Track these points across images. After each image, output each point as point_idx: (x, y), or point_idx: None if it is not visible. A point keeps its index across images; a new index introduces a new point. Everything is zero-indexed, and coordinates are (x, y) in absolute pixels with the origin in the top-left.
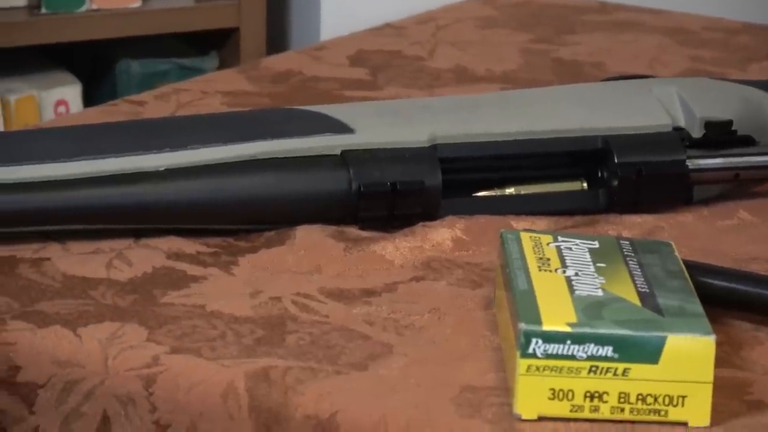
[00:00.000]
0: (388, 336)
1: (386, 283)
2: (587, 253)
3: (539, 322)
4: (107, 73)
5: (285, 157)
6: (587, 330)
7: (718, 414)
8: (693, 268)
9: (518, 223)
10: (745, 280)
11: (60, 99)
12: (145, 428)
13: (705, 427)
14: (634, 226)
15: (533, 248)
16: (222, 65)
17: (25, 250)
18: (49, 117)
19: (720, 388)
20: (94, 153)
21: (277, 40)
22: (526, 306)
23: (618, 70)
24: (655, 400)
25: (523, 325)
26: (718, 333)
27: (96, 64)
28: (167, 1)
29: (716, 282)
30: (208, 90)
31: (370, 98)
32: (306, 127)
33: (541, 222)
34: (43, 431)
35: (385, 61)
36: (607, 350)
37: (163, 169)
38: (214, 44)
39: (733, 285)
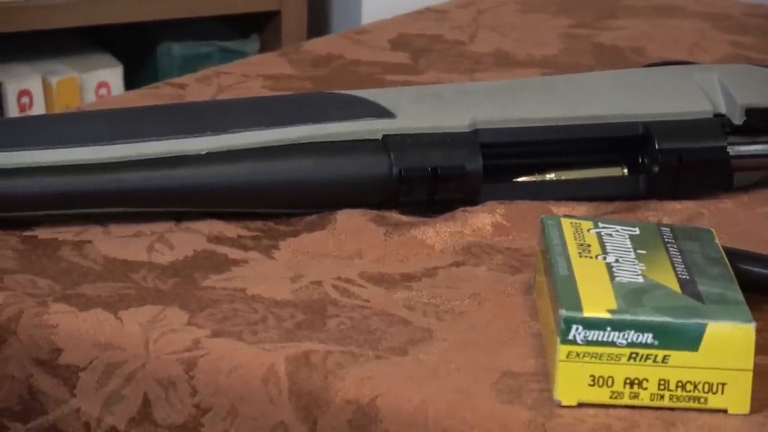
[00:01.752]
0: (428, 321)
1: (426, 268)
2: (628, 240)
3: (580, 309)
4: (149, 56)
5: (326, 142)
6: (627, 317)
7: (758, 401)
8: (733, 254)
9: (558, 208)
10: None
11: (101, 81)
12: (185, 411)
13: (744, 415)
14: (674, 212)
15: (574, 234)
16: (263, 48)
17: (67, 233)
18: (90, 99)
19: (760, 375)
20: (136, 136)
21: (318, 23)
22: (566, 292)
23: (658, 56)
24: (695, 387)
25: (563, 312)
26: (758, 320)
27: (138, 47)
28: None
29: (757, 269)
30: (250, 73)
31: (410, 82)
32: (347, 112)
33: (581, 208)
34: (85, 414)
35: (426, 45)
36: (647, 337)
37: (204, 152)
38: (256, 27)
39: None
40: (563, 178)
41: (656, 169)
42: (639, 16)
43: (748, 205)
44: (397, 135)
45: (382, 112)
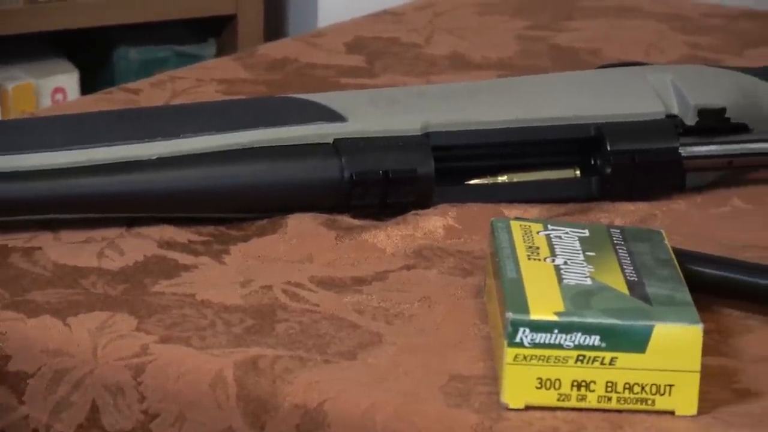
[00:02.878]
0: (378, 325)
1: (377, 272)
2: (577, 242)
3: (527, 311)
4: (105, 61)
5: (277, 146)
6: (574, 319)
7: (706, 402)
8: (684, 256)
9: (511, 211)
10: (735, 268)
11: (57, 86)
12: (133, 417)
13: (692, 416)
14: (627, 213)
15: (523, 237)
16: (220, 52)
17: (17, 240)
18: (46, 104)
19: (708, 376)
20: (87, 142)
21: (275, 26)
22: (514, 295)
23: (615, 57)
24: (642, 389)
25: (510, 314)
26: (707, 321)
27: (94, 52)
28: None
29: (707, 270)
30: (204, 78)
31: (366, 86)
32: (298, 116)
33: (534, 210)
34: (33, 420)
35: (382, 48)
36: (595, 339)
37: (155, 157)
38: (212, 31)
39: (723, 273)
40: (515, 180)
41: (609, 170)
42: (596, 18)
43: (701, 206)
44: (348, 139)
45: (334, 116)
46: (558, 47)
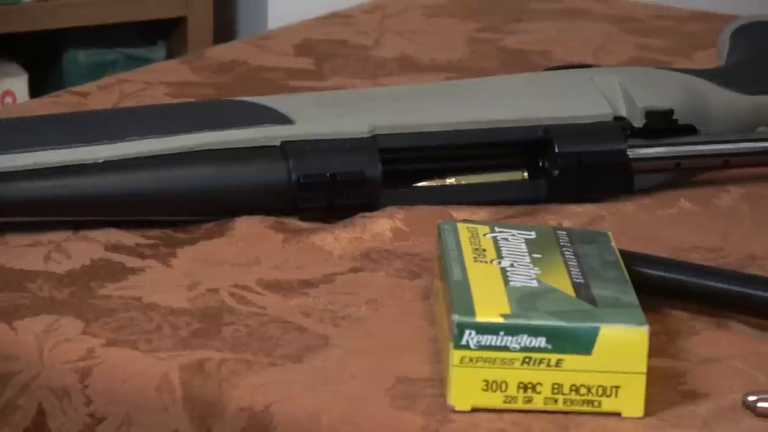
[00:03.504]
0: (325, 327)
1: (324, 274)
2: (523, 244)
3: (473, 314)
4: (55, 64)
5: (224, 149)
6: (520, 321)
7: (652, 404)
8: (631, 257)
9: (459, 213)
10: (682, 270)
11: (6, 90)
12: (80, 421)
13: (638, 418)
14: (574, 215)
15: (470, 239)
16: (170, 55)
17: None
18: None
19: (654, 377)
20: (32, 145)
21: (224, 29)
22: (460, 297)
23: (564, 59)
24: (589, 390)
25: (456, 317)
26: (653, 323)
27: (44, 55)
28: None
29: (654, 272)
30: (152, 81)
31: (314, 88)
32: (246, 119)
33: (482, 212)
34: None
35: (330, 51)
36: (540, 341)
37: (101, 160)
38: (162, 34)
39: (670, 274)
40: (464, 182)
41: (556, 172)
42: (545, 20)
43: (649, 208)
44: (296, 141)
45: (281, 119)
46: (507, 50)
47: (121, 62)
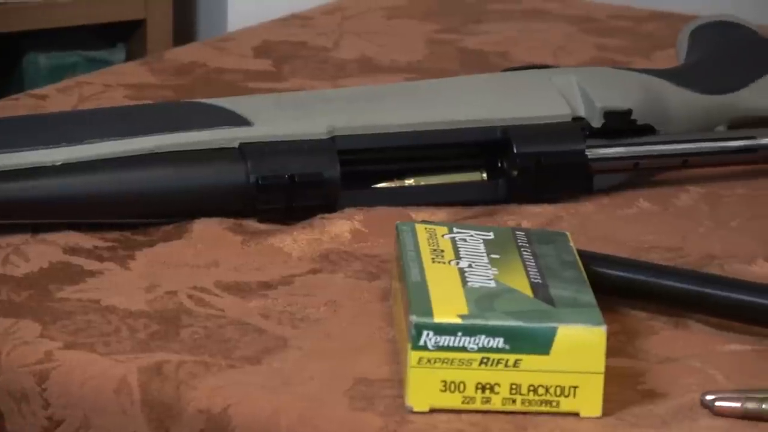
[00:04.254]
0: (283, 329)
1: (283, 276)
2: (482, 245)
3: (430, 315)
4: (15, 67)
5: (183, 151)
6: (478, 322)
7: (610, 404)
8: (589, 257)
9: (418, 214)
10: (640, 270)
11: None
12: (38, 424)
13: (596, 417)
14: (533, 216)
15: (428, 240)
16: (130, 57)
17: None
18: None
19: (613, 377)
20: None
21: (184, 31)
22: (418, 298)
23: (523, 60)
24: (547, 390)
25: (414, 318)
26: (612, 323)
27: (3, 58)
28: None
29: (612, 271)
30: (111, 83)
31: (274, 90)
32: (204, 120)
33: (441, 213)
34: None
35: (290, 52)
36: (498, 342)
37: (60, 163)
38: (122, 36)
39: (628, 274)
40: (422, 183)
41: (515, 173)
42: (505, 21)
43: (608, 208)
44: (254, 143)
45: (240, 120)
46: (466, 50)
47: (81, 65)
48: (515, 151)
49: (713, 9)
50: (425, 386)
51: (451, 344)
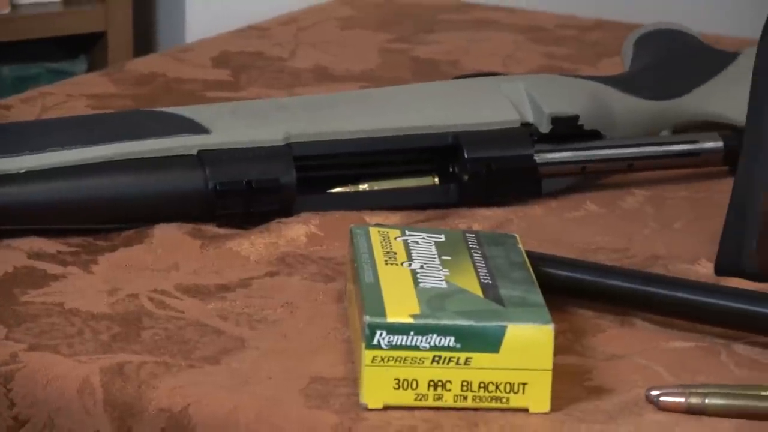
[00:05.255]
0: (241, 330)
1: (241, 279)
2: (433, 247)
3: (383, 315)
4: None
5: (142, 158)
6: (430, 321)
7: (559, 400)
8: (538, 258)
9: (372, 218)
10: (587, 270)
11: None
12: (4, 424)
13: (545, 413)
14: (484, 219)
15: (381, 243)
16: (91, 68)
17: None
18: None
19: (561, 374)
20: None
21: (144, 42)
22: (371, 299)
23: (473, 68)
24: (497, 387)
25: (367, 318)
26: (560, 322)
27: None
28: (36, 6)
29: (560, 272)
30: (73, 93)
31: (231, 99)
32: (163, 129)
33: (395, 216)
34: None
35: (247, 62)
36: (449, 340)
37: (23, 171)
38: (83, 48)
39: (576, 275)
40: (376, 188)
41: (466, 177)
42: (455, 30)
43: (556, 211)
44: (212, 150)
45: (198, 128)
46: (418, 59)
47: (45, 76)
48: (466, 156)
49: (657, 17)
50: (379, 384)
51: (403, 343)
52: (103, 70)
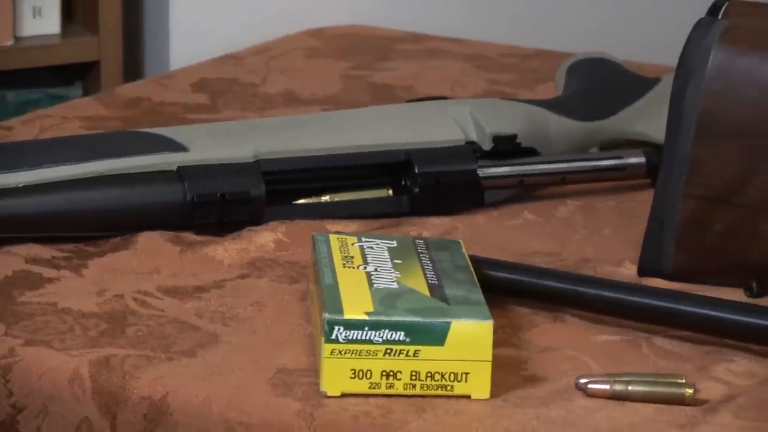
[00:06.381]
0: (215, 326)
1: (215, 281)
2: (386, 252)
3: (341, 312)
4: None
5: (128, 173)
6: (382, 318)
7: (498, 387)
8: (480, 262)
9: (333, 226)
10: (524, 272)
11: None
12: (3, 411)
13: (485, 399)
14: (433, 227)
15: (340, 248)
16: (86, 93)
17: None
18: None
19: (500, 365)
20: None
21: (133, 70)
22: (330, 298)
23: (424, 92)
24: (442, 377)
25: (326, 315)
26: (499, 318)
27: None
28: (37, 38)
29: (500, 274)
30: (68, 115)
31: (209, 120)
32: (147, 147)
33: (353, 225)
34: None
35: (223, 88)
36: (400, 335)
37: (21, 185)
38: (79, 75)
39: (514, 276)
40: (337, 199)
41: (417, 190)
42: (409, 59)
43: (498, 219)
44: (190, 166)
45: (178, 147)
46: (376, 85)
47: (44, 100)
48: (417, 170)
49: (588, 46)
50: (337, 374)
51: (359, 338)
52: (95, 95)
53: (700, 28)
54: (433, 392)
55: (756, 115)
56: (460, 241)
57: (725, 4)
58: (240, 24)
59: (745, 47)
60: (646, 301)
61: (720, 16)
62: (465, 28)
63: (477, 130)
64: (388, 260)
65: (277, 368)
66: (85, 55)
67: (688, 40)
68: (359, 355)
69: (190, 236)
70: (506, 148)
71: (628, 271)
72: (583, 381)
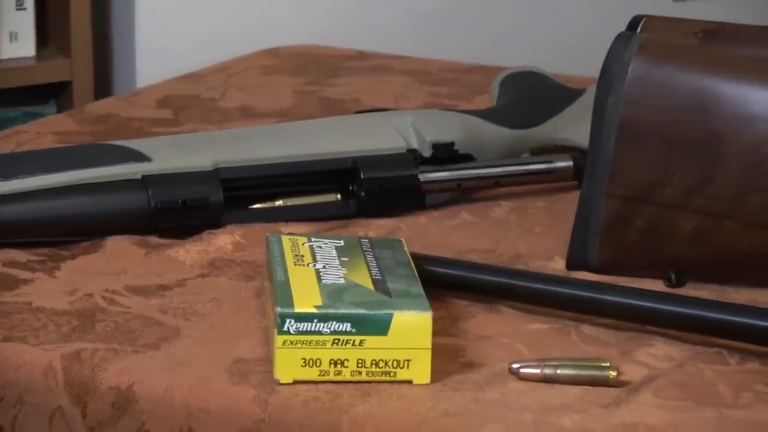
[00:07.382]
0: (178, 321)
1: (178, 280)
2: (334, 250)
3: (292, 306)
4: None
5: (97, 183)
6: (330, 311)
7: (438, 373)
8: (421, 258)
9: (286, 228)
10: (462, 267)
11: None
12: None
13: (426, 384)
14: (378, 227)
15: (291, 247)
16: (59, 111)
17: None
18: None
19: (440, 353)
20: None
21: (103, 89)
22: (282, 293)
23: (371, 105)
24: (386, 364)
25: (279, 309)
26: (438, 309)
27: None
28: (14, 61)
29: (439, 269)
30: (42, 131)
31: (172, 132)
32: (114, 158)
33: (305, 227)
34: None
35: (185, 103)
36: (347, 326)
37: None
38: (53, 94)
39: (452, 271)
40: (290, 204)
41: (363, 194)
42: (357, 75)
43: (438, 220)
44: (154, 175)
45: (142, 158)
46: (326, 98)
47: (21, 118)
48: (362, 176)
49: (521, 60)
50: (289, 363)
51: (308, 329)
52: (68, 112)
53: (620, 42)
54: (378, 378)
55: (671, 120)
56: (402, 240)
57: (643, 20)
58: (201, 45)
59: (661, 59)
60: (574, 292)
61: (638, 31)
62: (408, 46)
63: (418, 138)
64: (336, 258)
65: (234, 359)
66: (58, 76)
67: (609, 53)
68: (309, 345)
69: (154, 239)
70: (445, 154)
71: (557, 266)
72: (515, 366)
